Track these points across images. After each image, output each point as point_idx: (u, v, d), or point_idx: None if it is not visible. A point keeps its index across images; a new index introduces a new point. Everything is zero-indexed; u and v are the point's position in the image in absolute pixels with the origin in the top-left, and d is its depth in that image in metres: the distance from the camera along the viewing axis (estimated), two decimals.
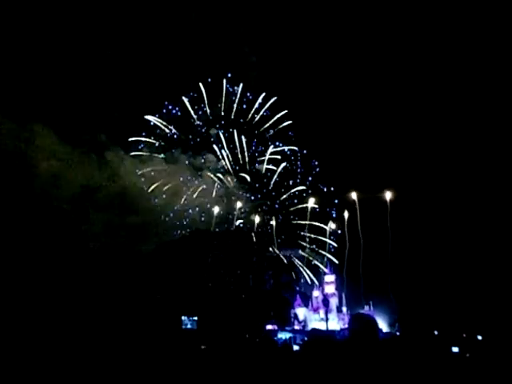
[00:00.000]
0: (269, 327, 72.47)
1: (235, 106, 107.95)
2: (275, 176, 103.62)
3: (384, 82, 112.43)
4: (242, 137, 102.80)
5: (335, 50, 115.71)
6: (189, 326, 60.24)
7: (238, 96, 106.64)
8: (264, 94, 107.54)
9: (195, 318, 61.19)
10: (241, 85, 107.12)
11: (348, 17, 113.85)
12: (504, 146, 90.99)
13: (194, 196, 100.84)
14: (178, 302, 56.63)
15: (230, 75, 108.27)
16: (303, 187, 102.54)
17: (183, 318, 60.38)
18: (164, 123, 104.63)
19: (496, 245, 76.53)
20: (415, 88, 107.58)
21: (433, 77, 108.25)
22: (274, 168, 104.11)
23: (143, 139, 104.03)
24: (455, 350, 38.66)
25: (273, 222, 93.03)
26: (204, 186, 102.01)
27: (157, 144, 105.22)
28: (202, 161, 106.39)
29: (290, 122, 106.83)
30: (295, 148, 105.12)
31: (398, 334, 72.62)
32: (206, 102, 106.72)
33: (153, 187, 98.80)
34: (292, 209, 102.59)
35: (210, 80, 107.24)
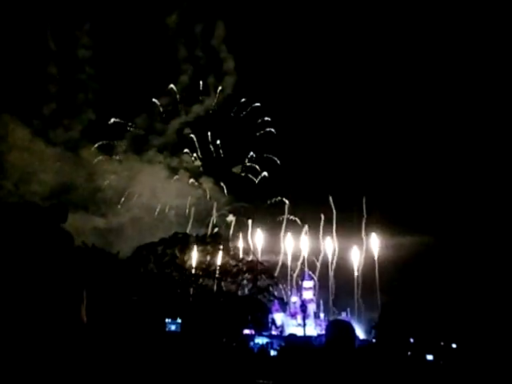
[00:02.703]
0: (246, 332, 72.22)
1: (211, 109, 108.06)
2: (256, 181, 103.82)
3: (363, 87, 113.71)
4: (218, 141, 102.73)
5: (308, 59, 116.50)
6: (173, 329, 59.45)
7: (215, 100, 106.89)
8: (243, 100, 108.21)
9: (179, 321, 60.44)
10: (219, 88, 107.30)
11: (328, 24, 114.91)
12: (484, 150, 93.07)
13: (170, 197, 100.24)
14: (161, 305, 55.92)
15: (206, 80, 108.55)
16: (280, 198, 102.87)
17: (167, 320, 59.52)
18: (135, 125, 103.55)
19: (474, 253, 77.96)
20: (394, 94, 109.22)
21: (412, 85, 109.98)
22: (251, 176, 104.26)
23: (115, 141, 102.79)
24: (429, 357, 39.01)
25: (249, 226, 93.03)
26: (180, 188, 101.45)
27: (130, 144, 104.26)
28: (178, 161, 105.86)
29: (271, 129, 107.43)
30: (274, 157, 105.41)
31: (374, 341, 73.19)
32: (179, 104, 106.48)
33: (123, 198, 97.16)
34: (270, 215, 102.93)
35: (187, 82, 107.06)
